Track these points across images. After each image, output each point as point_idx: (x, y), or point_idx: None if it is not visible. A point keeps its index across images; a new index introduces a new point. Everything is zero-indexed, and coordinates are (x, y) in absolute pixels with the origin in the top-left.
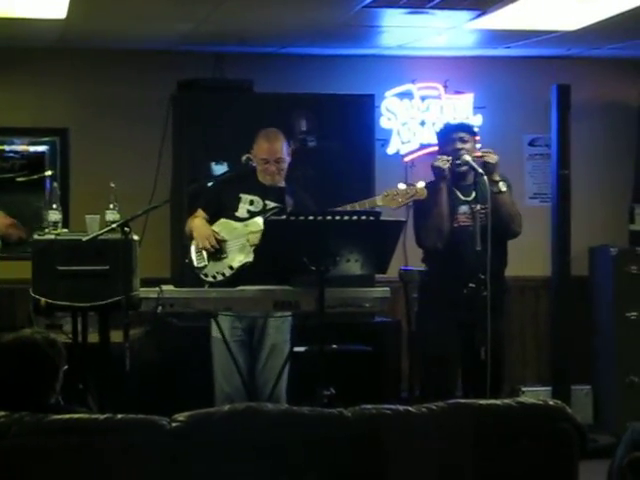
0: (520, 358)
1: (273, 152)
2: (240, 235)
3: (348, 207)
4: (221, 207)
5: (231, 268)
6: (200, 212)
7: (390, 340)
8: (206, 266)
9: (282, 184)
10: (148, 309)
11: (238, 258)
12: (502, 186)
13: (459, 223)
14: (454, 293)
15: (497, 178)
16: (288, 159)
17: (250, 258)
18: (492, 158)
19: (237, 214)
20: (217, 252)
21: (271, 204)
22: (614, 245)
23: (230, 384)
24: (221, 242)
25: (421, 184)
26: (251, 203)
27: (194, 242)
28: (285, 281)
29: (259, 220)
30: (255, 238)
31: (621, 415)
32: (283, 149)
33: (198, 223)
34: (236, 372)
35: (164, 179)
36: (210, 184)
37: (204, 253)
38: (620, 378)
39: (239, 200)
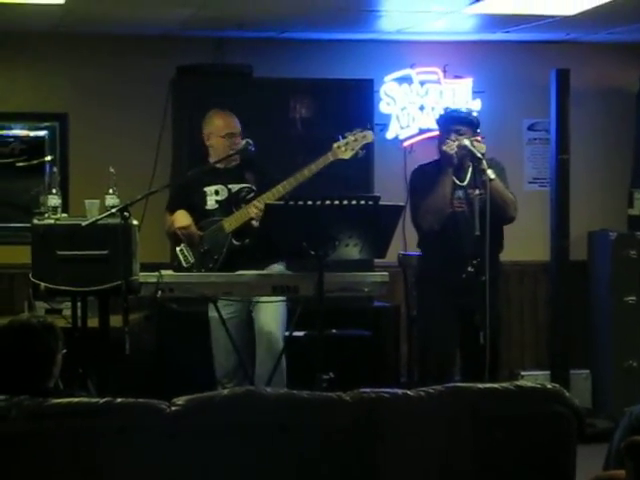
0: (519, 342)
1: (234, 126)
2: (216, 225)
3: (305, 171)
4: (191, 206)
5: (216, 259)
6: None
7: (389, 325)
8: (193, 264)
9: (237, 160)
10: (148, 294)
11: (220, 247)
12: (490, 174)
13: (454, 208)
14: (453, 278)
15: (484, 166)
16: None
17: (229, 244)
18: (481, 147)
19: (207, 207)
20: (198, 245)
21: (235, 187)
22: (613, 230)
23: (228, 361)
24: (201, 237)
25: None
26: (216, 193)
27: (178, 234)
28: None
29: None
30: (230, 224)
31: (619, 399)
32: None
33: (179, 213)
34: (232, 350)
35: (163, 164)
36: (177, 189)
37: (186, 251)
38: (618, 362)
39: (205, 194)
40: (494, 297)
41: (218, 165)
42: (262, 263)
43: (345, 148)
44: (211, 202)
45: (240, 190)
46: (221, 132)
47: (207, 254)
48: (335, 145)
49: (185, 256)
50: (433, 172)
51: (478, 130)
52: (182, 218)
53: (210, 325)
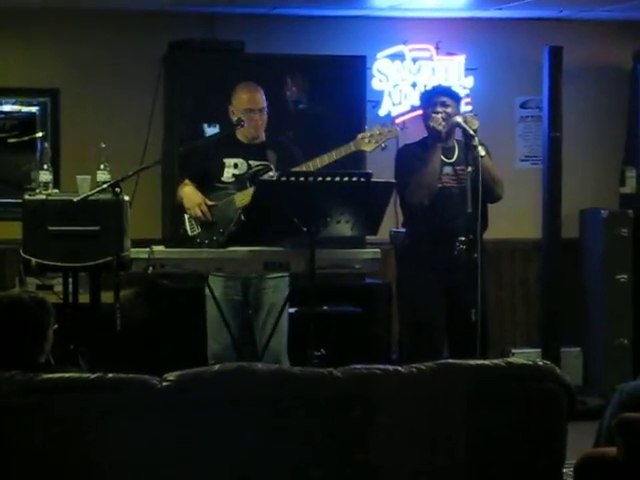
0: (510, 320)
1: (256, 102)
2: (228, 198)
3: (325, 157)
4: (207, 174)
5: (222, 232)
6: (188, 181)
7: (380, 301)
8: (199, 234)
9: (262, 138)
10: (139, 270)
11: (228, 221)
12: (481, 150)
13: (443, 184)
14: (441, 255)
15: (475, 143)
16: (267, 111)
17: (238, 219)
18: (474, 124)
19: (223, 179)
20: (209, 218)
21: (255, 163)
22: (605, 208)
23: (219, 343)
24: (211, 207)
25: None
26: (235, 166)
27: (187, 211)
28: (275, 242)
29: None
30: (242, 199)
31: (610, 377)
32: (264, 99)
33: (188, 191)
34: (226, 331)
35: (155, 140)
36: (194, 150)
37: (195, 221)
38: (609, 340)
39: (223, 165)
40: (482, 275)
41: (242, 139)
42: (264, 243)
43: (369, 140)
44: (228, 174)
45: (259, 167)
46: (242, 107)
47: (214, 226)
48: (360, 135)
49: (192, 225)
50: (419, 150)
51: (470, 109)
52: (193, 197)
53: (206, 305)
